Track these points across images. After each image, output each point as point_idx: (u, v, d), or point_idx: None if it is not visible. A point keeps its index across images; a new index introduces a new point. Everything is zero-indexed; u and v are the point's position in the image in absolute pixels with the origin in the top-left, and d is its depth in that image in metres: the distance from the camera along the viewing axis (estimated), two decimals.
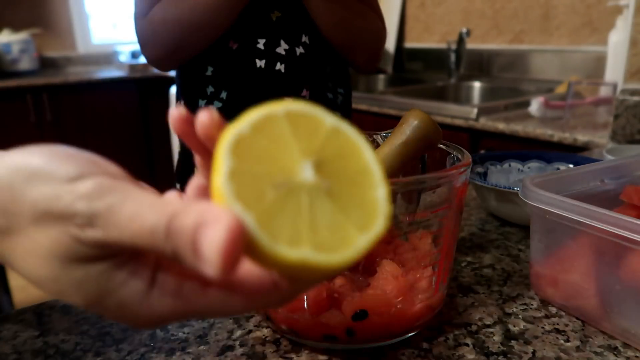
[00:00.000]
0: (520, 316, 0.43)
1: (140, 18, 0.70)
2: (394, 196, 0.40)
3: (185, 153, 0.85)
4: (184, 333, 0.41)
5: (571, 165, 0.67)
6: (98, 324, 0.42)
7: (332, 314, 0.36)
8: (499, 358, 0.37)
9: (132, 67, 2.64)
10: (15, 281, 1.69)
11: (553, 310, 0.44)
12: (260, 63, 0.72)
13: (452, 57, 2.13)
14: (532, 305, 0.45)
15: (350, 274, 0.39)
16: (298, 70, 0.74)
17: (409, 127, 0.40)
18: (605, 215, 0.37)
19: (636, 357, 0.37)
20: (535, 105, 1.50)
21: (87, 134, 2.53)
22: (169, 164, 2.88)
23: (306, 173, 0.21)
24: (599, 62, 1.74)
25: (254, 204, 0.19)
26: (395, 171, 0.40)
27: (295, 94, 0.75)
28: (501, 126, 1.44)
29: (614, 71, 1.44)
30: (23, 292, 0.69)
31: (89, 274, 0.22)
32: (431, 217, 0.39)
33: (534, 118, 1.50)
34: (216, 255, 0.18)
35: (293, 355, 0.38)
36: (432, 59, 2.33)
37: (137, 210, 0.21)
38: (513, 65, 2.07)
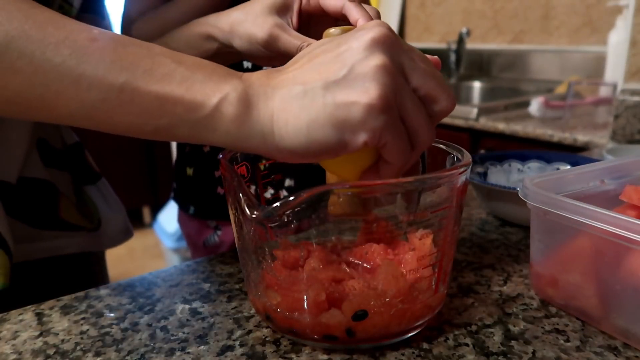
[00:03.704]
0: (520, 316, 0.43)
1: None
2: (394, 196, 0.40)
3: (182, 154, 0.86)
4: (184, 333, 0.41)
5: (571, 165, 0.67)
6: (98, 324, 0.43)
7: (332, 314, 0.36)
8: (499, 358, 0.37)
9: None
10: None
11: (553, 310, 0.44)
12: (248, 64, 0.74)
13: (452, 57, 2.13)
14: (532, 305, 0.45)
15: (351, 274, 0.39)
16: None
17: None
18: (605, 215, 0.37)
19: (636, 357, 0.38)
20: (535, 105, 1.50)
21: (87, 132, 2.53)
22: (168, 162, 2.88)
23: None
24: (599, 62, 1.74)
25: None
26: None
27: None
28: (501, 126, 1.44)
29: (614, 71, 1.45)
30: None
31: None
32: (431, 217, 0.39)
33: (534, 118, 1.50)
34: None
35: (293, 355, 0.38)
36: None
37: None
38: (513, 65, 2.07)
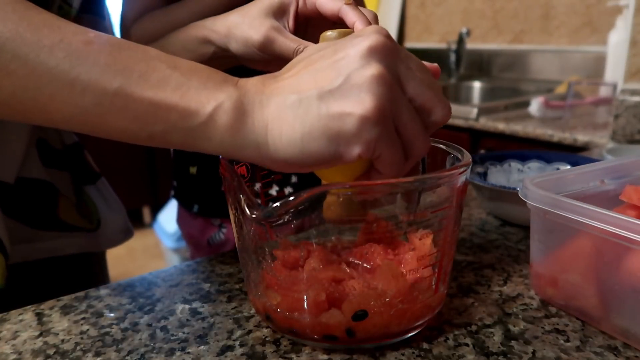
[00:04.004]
0: (520, 316, 0.43)
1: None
2: (394, 196, 0.40)
3: (184, 153, 0.86)
4: (184, 333, 0.41)
5: (571, 165, 0.67)
6: (98, 324, 0.43)
7: (332, 314, 0.36)
8: (499, 358, 0.37)
9: None
10: None
11: (553, 310, 0.44)
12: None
13: (452, 57, 2.14)
14: (532, 305, 0.45)
15: (351, 274, 0.39)
16: None
17: None
18: (605, 215, 0.37)
19: (636, 357, 0.38)
20: (535, 105, 1.50)
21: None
22: (168, 162, 2.88)
23: None
24: (599, 62, 1.74)
25: None
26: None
27: None
28: (501, 126, 1.44)
29: (614, 71, 1.44)
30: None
31: None
32: (431, 217, 0.39)
33: (534, 118, 1.50)
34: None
35: (293, 355, 0.38)
36: (432, 59, 2.32)
37: None
38: (513, 65, 2.07)
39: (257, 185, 0.46)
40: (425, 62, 0.36)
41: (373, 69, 0.30)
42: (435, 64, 0.38)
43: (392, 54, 0.31)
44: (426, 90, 0.32)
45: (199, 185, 0.84)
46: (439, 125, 0.34)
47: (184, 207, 0.88)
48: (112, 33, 0.67)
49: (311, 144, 0.30)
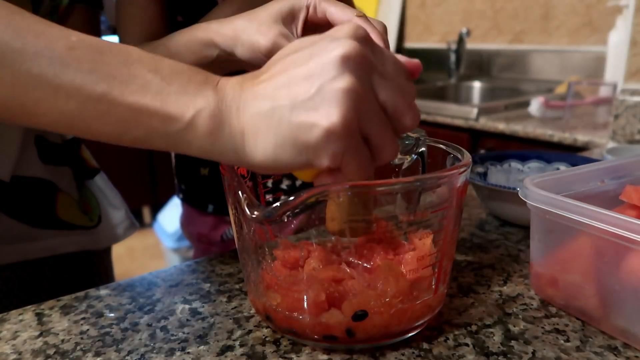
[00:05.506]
0: (520, 316, 0.43)
1: None
2: (394, 196, 0.40)
3: (186, 156, 0.86)
4: (184, 333, 0.41)
5: (571, 165, 0.67)
6: (98, 324, 0.43)
7: (332, 314, 0.36)
8: (499, 358, 0.37)
9: None
10: None
11: (553, 310, 0.44)
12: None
13: (452, 57, 2.13)
14: (532, 305, 0.45)
15: (351, 274, 0.39)
16: None
17: None
18: (605, 215, 0.37)
19: (636, 357, 0.38)
20: (535, 105, 1.50)
21: None
22: (168, 162, 2.88)
23: None
24: (599, 62, 1.74)
25: None
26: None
27: None
28: (501, 126, 1.44)
29: (614, 71, 1.44)
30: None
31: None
32: (431, 217, 0.39)
33: (534, 118, 1.50)
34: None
35: (293, 355, 0.38)
36: (432, 59, 2.33)
37: None
38: (513, 65, 2.07)
39: (285, 183, 0.46)
40: (404, 59, 0.35)
41: (344, 82, 0.30)
42: (416, 60, 0.36)
43: (365, 62, 0.31)
44: (398, 97, 0.33)
45: (213, 186, 0.84)
46: (408, 131, 0.35)
47: (195, 208, 0.88)
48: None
49: (283, 154, 0.31)
